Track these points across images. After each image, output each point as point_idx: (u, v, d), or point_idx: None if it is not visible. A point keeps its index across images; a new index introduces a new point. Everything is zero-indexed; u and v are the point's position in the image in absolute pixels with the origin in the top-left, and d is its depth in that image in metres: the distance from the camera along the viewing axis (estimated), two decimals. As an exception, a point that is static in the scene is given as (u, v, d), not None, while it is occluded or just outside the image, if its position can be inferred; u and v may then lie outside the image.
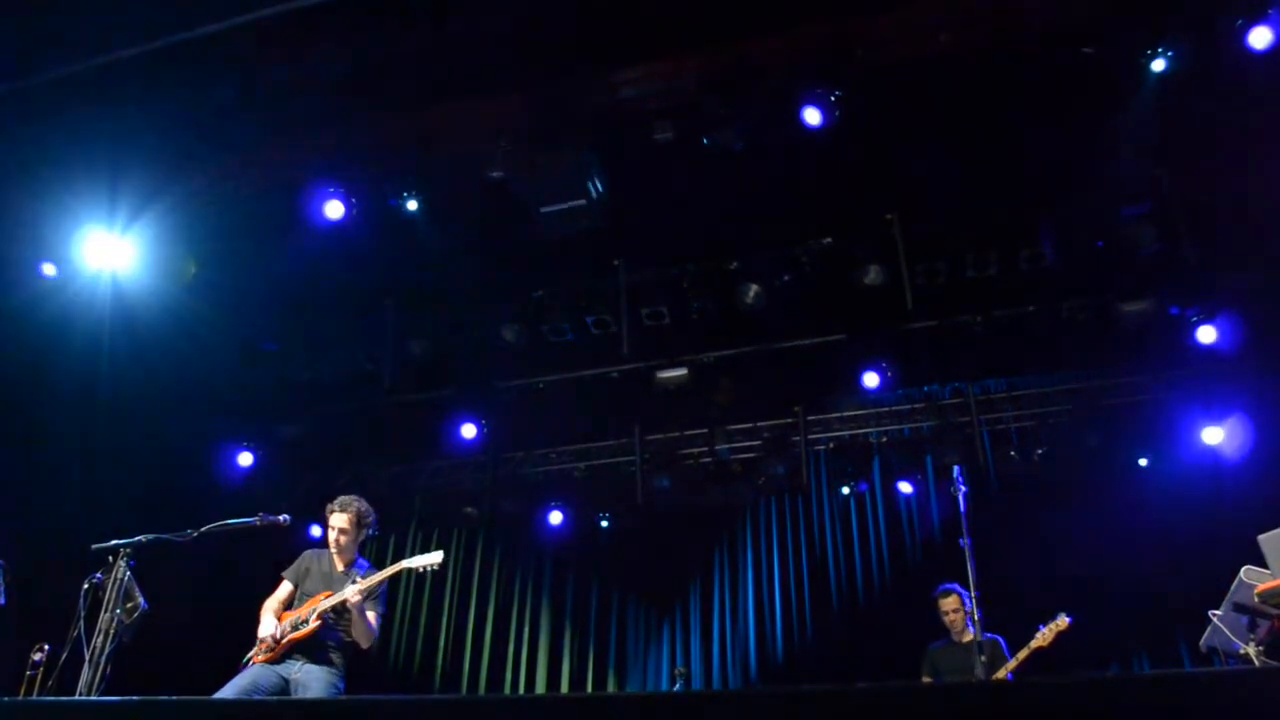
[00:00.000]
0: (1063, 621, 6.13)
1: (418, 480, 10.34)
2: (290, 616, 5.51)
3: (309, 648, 5.39)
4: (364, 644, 5.51)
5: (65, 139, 7.04)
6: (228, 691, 5.16)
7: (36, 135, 6.96)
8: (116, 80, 6.44)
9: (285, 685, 5.31)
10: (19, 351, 8.04)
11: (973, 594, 5.16)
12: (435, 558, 5.51)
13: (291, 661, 5.37)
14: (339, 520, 5.68)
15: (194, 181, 7.50)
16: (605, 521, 9.85)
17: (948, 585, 6.81)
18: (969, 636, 6.62)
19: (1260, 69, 5.96)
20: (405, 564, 5.52)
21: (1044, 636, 6.15)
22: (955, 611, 6.73)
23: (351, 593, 5.33)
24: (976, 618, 5.43)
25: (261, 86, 6.69)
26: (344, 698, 5.25)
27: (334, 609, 5.43)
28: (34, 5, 6.09)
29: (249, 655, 5.48)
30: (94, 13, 6.09)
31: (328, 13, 6.01)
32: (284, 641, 5.37)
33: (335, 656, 5.47)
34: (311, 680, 5.31)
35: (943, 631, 6.86)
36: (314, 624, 5.37)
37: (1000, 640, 6.38)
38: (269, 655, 5.37)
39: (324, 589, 5.54)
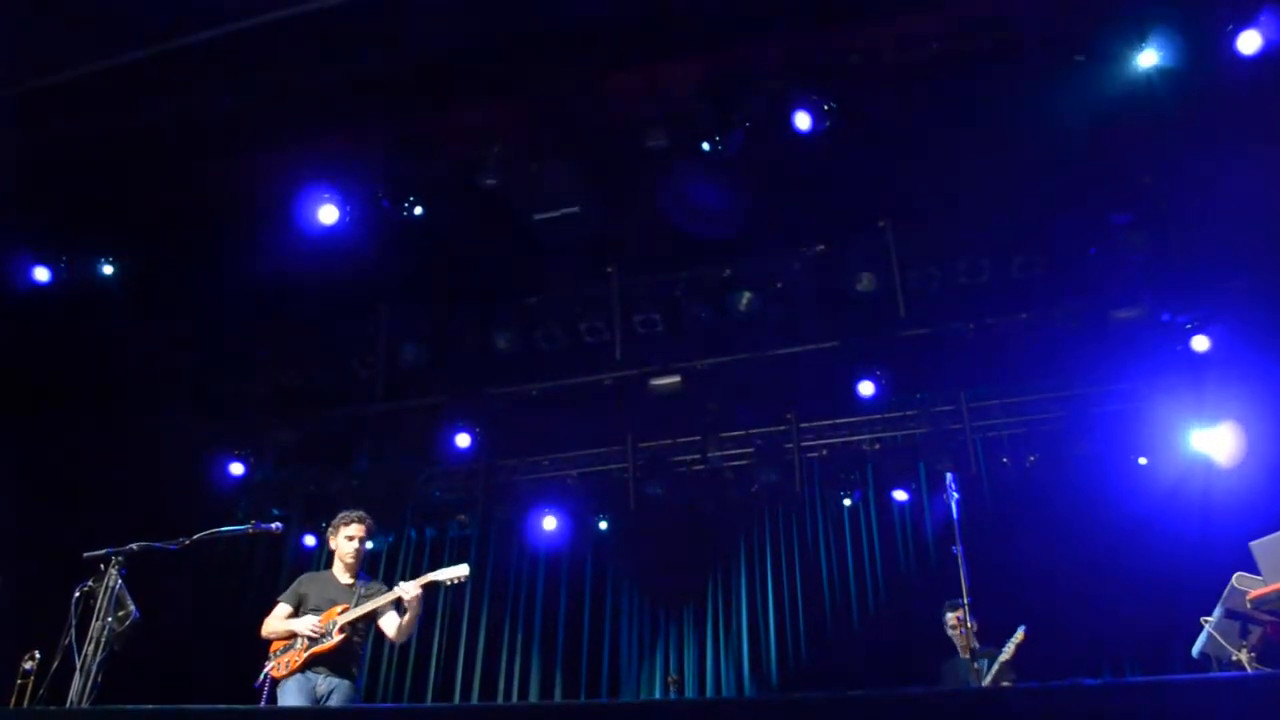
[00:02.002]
0: (1020, 635, 6.30)
1: (410, 488, 10.29)
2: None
3: (332, 661, 5.36)
4: (401, 638, 5.57)
5: (64, 142, 7.02)
6: None
7: (35, 138, 6.95)
8: (117, 84, 6.44)
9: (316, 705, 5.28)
10: (14, 356, 8.01)
11: (965, 601, 5.16)
12: (461, 570, 5.52)
13: (314, 674, 5.32)
14: (358, 530, 5.69)
15: (191, 185, 7.49)
16: (604, 523, 9.84)
17: (954, 599, 6.79)
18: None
19: (1249, 74, 5.99)
20: (433, 576, 5.50)
21: (1008, 652, 6.28)
22: (953, 627, 6.71)
23: (410, 589, 5.34)
24: (969, 624, 5.45)
25: (258, 91, 6.69)
26: (333, 708, 5.23)
27: (352, 622, 5.39)
28: (32, 6, 6.08)
29: (265, 672, 5.39)
30: (94, 14, 6.08)
31: (323, 18, 6.01)
32: (307, 655, 5.32)
33: (355, 670, 5.47)
34: (338, 698, 5.31)
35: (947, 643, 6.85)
36: (338, 637, 5.34)
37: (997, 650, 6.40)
38: (287, 670, 5.30)
39: (332, 604, 5.50)
